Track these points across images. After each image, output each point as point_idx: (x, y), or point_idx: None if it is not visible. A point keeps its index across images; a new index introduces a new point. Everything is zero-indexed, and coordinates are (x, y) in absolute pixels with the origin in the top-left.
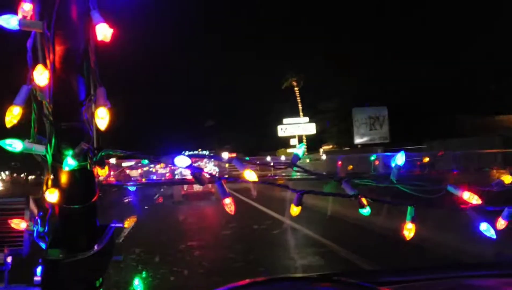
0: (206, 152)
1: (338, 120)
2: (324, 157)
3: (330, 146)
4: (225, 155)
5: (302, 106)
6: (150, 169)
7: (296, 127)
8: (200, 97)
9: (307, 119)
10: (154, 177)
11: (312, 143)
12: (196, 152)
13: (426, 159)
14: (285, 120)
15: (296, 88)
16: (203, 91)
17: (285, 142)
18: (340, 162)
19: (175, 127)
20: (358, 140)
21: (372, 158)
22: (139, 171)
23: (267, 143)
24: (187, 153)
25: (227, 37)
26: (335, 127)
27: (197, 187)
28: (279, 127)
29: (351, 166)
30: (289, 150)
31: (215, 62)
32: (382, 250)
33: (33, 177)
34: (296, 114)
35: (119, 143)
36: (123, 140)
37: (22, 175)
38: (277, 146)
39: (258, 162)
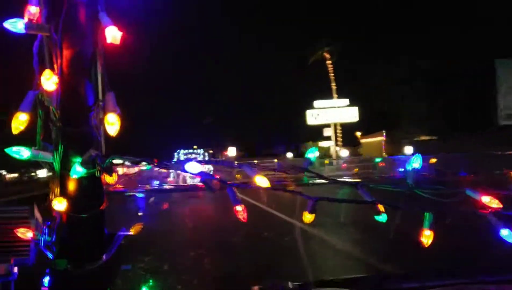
0: (200, 151)
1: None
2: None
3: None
4: (233, 151)
5: (335, 87)
6: (143, 169)
7: (332, 113)
8: (198, 92)
9: (346, 101)
10: (157, 182)
11: (348, 133)
12: (190, 150)
13: (433, 160)
14: (317, 103)
15: (329, 62)
16: (204, 86)
17: (315, 133)
18: (344, 165)
19: (169, 126)
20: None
21: (377, 160)
22: (136, 169)
23: (289, 135)
24: (182, 151)
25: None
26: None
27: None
28: (308, 113)
29: (356, 169)
30: (321, 143)
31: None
32: (400, 253)
33: (15, 175)
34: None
35: (113, 143)
36: (119, 140)
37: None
38: (301, 139)
39: (274, 168)
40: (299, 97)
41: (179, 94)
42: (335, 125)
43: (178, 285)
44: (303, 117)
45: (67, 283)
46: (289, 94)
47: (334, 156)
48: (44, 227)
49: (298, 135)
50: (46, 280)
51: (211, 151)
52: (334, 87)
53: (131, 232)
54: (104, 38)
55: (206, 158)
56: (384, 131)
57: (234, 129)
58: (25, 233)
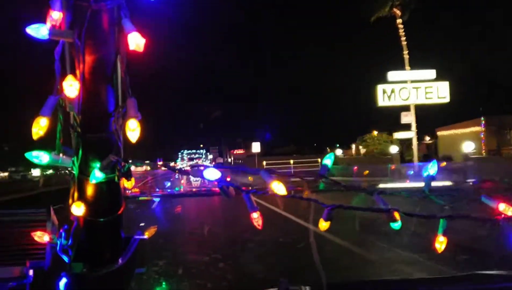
0: (203, 151)
1: None
2: None
3: None
4: (257, 147)
5: (407, 56)
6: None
7: (412, 90)
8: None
9: (432, 73)
10: (168, 184)
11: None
12: (193, 150)
13: (444, 164)
14: (393, 75)
15: (399, 22)
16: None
17: (377, 120)
18: (356, 167)
19: (173, 124)
20: None
21: (389, 165)
22: (144, 167)
23: (342, 125)
24: (185, 152)
25: None
26: None
27: (195, 184)
28: (379, 90)
29: (367, 171)
30: (399, 134)
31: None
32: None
33: (5, 174)
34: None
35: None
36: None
37: None
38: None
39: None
40: (355, 72)
41: (187, 90)
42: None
43: (192, 289)
44: (363, 98)
45: (82, 286)
46: (339, 69)
47: (415, 155)
48: (61, 230)
49: (355, 124)
50: (61, 283)
51: (215, 150)
52: (406, 57)
53: (146, 235)
54: (127, 44)
55: (208, 158)
56: (483, 118)
57: (259, 119)
58: (42, 237)
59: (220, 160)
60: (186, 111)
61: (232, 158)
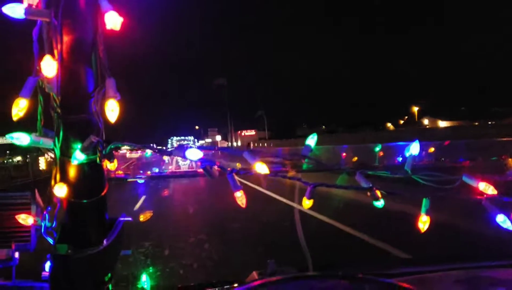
0: (191, 138)
1: None
2: None
3: None
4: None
5: None
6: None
7: None
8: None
9: None
10: (156, 170)
11: None
12: (183, 137)
13: (432, 149)
14: None
15: None
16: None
17: None
18: (344, 154)
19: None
20: None
21: (377, 149)
22: (139, 153)
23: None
24: (175, 138)
25: None
26: None
27: (183, 168)
28: None
29: (355, 158)
30: None
31: None
32: (400, 235)
33: (18, 158)
34: None
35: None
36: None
37: None
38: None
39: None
40: None
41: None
42: None
43: (178, 269)
44: None
45: (67, 267)
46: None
47: None
48: (45, 212)
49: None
50: (47, 265)
51: (215, 131)
52: None
53: (140, 219)
54: (104, 23)
55: (196, 145)
56: None
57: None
58: (26, 219)
59: (224, 144)
60: (180, 87)
61: (240, 142)
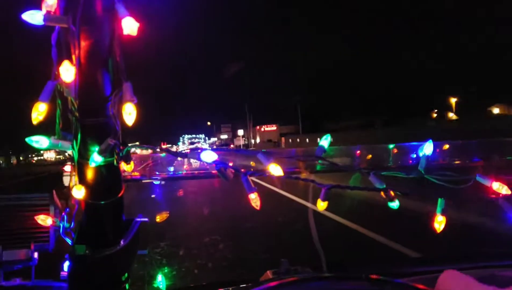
0: (202, 136)
1: None
2: None
3: None
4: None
5: None
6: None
7: None
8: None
9: None
10: (172, 169)
11: None
12: (194, 135)
13: (446, 147)
14: None
15: None
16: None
17: None
18: (358, 151)
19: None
20: None
21: (391, 146)
22: (150, 151)
23: None
24: (186, 136)
25: None
26: None
27: (195, 165)
28: None
29: (370, 155)
30: None
31: None
32: (414, 234)
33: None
34: None
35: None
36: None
37: None
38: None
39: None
40: None
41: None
42: None
43: (193, 269)
44: None
45: (85, 267)
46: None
47: None
48: (64, 214)
49: None
50: (65, 265)
51: (228, 128)
52: None
53: (157, 219)
54: (121, 28)
55: (207, 142)
56: None
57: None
58: (45, 220)
59: (239, 141)
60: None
61: (258, 138)
